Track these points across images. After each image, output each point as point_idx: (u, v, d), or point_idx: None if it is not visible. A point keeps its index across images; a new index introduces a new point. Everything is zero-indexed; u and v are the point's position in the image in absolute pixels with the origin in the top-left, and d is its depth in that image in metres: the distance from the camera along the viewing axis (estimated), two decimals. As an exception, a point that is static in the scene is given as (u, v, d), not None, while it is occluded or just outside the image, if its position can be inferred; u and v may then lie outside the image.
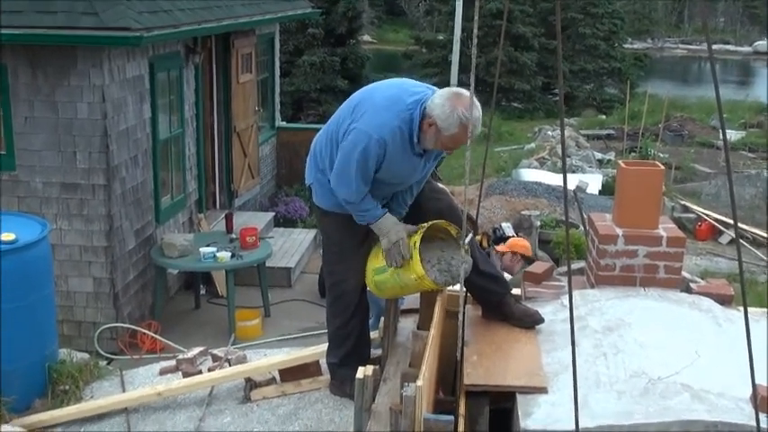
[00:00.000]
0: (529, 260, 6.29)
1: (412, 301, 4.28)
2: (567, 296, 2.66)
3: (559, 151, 16.26)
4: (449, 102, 3.27)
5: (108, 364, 6.21)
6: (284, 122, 13.34)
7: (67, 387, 4.64)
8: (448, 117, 3.26)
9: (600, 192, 13.23)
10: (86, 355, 5.11)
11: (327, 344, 4.03)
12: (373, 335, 4.15)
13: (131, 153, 7.22)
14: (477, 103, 3.21)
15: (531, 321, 3.69)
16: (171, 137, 8.25)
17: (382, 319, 3.99)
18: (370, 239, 3.65)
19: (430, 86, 3.48)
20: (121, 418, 4.30)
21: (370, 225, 3.48)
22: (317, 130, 3.81)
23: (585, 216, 5.18)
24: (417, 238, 3.44)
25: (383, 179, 3.43)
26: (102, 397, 4.58)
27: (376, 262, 3.60)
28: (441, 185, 4.17)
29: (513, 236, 7.86)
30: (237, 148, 10.01)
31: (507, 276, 6.44)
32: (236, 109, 9.90)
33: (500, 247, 6.64)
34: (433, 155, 3.55)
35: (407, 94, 3.37)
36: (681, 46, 50.56)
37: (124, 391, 4.69)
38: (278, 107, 12.55)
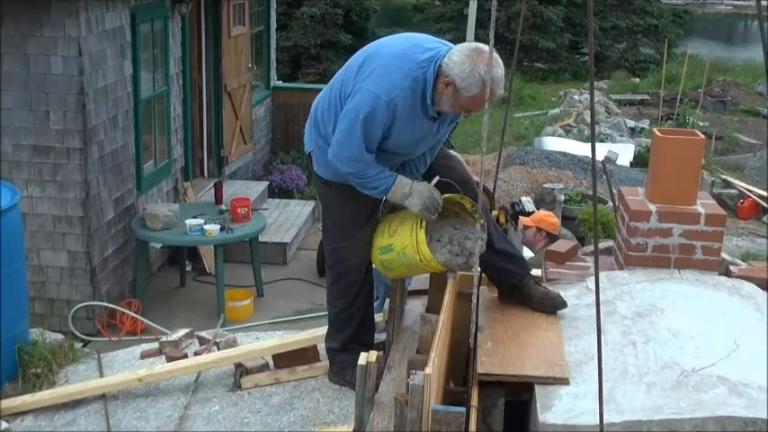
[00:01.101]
0: (553, 238, 6.29)
1: (421, 281, 4.29)
2: (593, 278, 2.67)
3: (587, 118, 16.20)
4: (469, 59, 3.25)
5: (84, 346, 6.27)
6: (280, 82, 13.31)
7: (40, 370, 4.68)
8: (468, 76, 3.24)
9: (631, 163, 13.20)
10: (60, 336, 5.15)
11: (327, 327, 4.05)
12: (377, 318, 4.18)
13: (110, 113, 7.21)
14: (500, 60, 3.20)
15: (552, 305, 3.69)
16: (154, 96, 8.23)
17: (387, 300, 4.00)
18: (378, 212, 3.64)
19: (444, 42, 3.45)
20: (99, 405, 4.34)
21: (385, 194, 3.44)
22: (318, 90, 3.80)
23: (615, 190, 5.18)
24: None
25: (391, 148, 3.42)
26: (78, 382, 4.62)
27: (381, 240, 3.61)
28: (454, 153, 4.16)
29: (534, 211, 7.86)
30: (228, 110, 10.00)
31: (527, 255, 6.46)
32: (227, 66, 9.87)
33: (525, 220, 6.65)
34: (448, 119, 3.53)
35: (420, 51, 3.35)
36: (725, 2, 50.11)
37: (102, 375, 4.72)
38: (273, 64, 12.51)
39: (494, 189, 4.29)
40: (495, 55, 3.06)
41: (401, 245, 3.50)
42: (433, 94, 3.33)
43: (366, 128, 3.30)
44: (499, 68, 3.18)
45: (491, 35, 2.68)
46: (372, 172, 3.42)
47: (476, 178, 3.68)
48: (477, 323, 3.15)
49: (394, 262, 3.58)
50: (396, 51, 3.36)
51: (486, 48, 3.18)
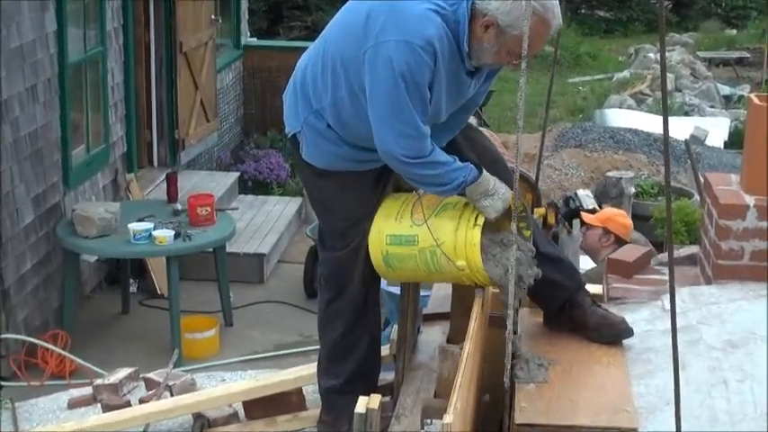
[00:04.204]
0: (623, 245, 6.29)
1: (439, 302, 4.30)
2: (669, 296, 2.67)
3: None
4: None
5: (-6, 392, 6.27)
6: (255, 39, 13.33)
7: (-65, 424, 4.69)
8: (512, 8, 3.28)
9: (726, 143, 13.19)
10: (-38, 380, 5.16)
11: (318, 363, 4.06)
12: (383, 351, 4.18)
13: (28, 82, 7.24)
14: None
15: (613, 333, 3.69)
16: (86, 59, 8.25)
17: (394, 328, 4.01)
18: (385, 189, 3.67)
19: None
20: (13, 471, 4.35)
21: (458, 190, 3.45)
22: (305, 49, 3.79)
23: (702, 178, 5.17)
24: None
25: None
26: (-14, 440, 4.64)
27: (396, 226, 3.54)
28: (488, 132, 4.17)
29: (596, 208, 7.85)
30: (185, 77, 10.02)
31: (585, 266, 6.45)
32: (183, 18, 9.90)
33: (589, 217, 6.65)
34: (485, 73, 3.57)
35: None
36: None
37: (17, 430, 4.73)
38: (245, 15, 12.55)
39: (536, 178, 4.29)
40: None
41: (430, 241, 3.48)
42: (470, 41, 3.36)
43: (410, 88, 3.32)
44: None
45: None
46: (441, 157, 3.45)
47: (510, 163, 3.69)
48: (512, 355, 3.15)
49: (408, 260, 3.56)
50: None
51: None
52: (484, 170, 3.48)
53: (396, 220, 3.57)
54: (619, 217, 6.64)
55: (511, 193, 3.46)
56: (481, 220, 3.44)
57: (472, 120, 3.93)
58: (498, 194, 3.46)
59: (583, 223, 6.70)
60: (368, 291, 3.81)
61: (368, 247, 3.63)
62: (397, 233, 3.56)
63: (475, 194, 3.47)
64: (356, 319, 3.83)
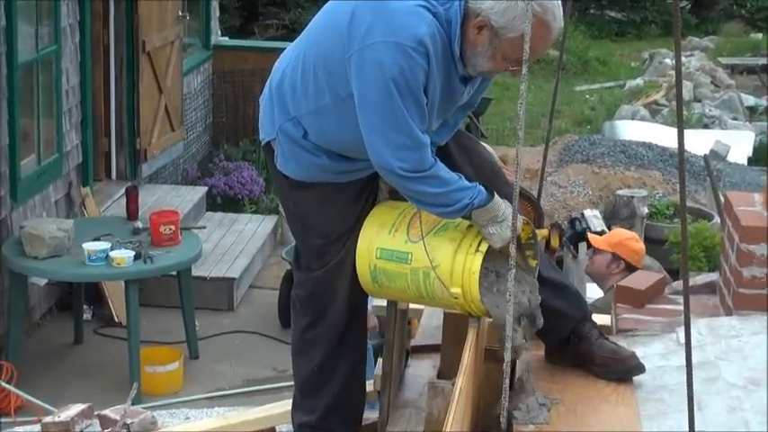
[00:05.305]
0: (634, 272, 6.32)
1: (429, 333, 4.30)
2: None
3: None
4: None
5: (-70, 431, 6.24)
6: (226, 38, 13.34)
7: None
8: (507, 8, 3.29)
9: (750, 159, 13.23)
10: None
11: (294, 396, 4.06)
12: (367, 387, 4.18)
13: (-29, 85, 7.25)
14: None
15: (622, 369, 3.69)
16: (38, 59, 8.24)
17: (379, 362, 4.01)
18: (370, 200, 3.68)
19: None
20: None
21: (462, 213, 3.45)
22: (282, 50, 3.80)
23: (723, 198, 5.20)
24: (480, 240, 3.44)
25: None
26: None
27: (390, 240, 3.55)
28: (485, 145, 4.18)
29: (604, 230, 7.87)
30: (148, 80, 10.02)
31: (592, 295, 6.47)
32: (146, 14, 9.90)
33: (597, 240, 6.66)
34: (478, 82, 3.60)
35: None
36: None
37: (-44, 474, 4.71)
38: (216, 12, 12.56)
39: (538, 196, 4.30)
40: None
41: (425, 261, 3.49)
42: (462, 45, 3.37)
43: (404, 94, 3.33)
44: None
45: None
46: (445, 173, 3.44)
47: (510, 177, 3.71)
48: (508, 392, 3.15)
49: (398, 278, 3.56)
50: None
51: None
52: (496, 194, 3.47)
53: (390, 233, 3.58)
54: (630, 241, 6.65)
55: (522, 221, 3.47)
56: (484, 247, 3.44)
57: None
58: (508, 222, 3.43)
59: (589, 246, 6.72)
60: (353, 312, 3.79)
61: (353, 261, 3.64)
62: (389, 247, 3.56)
63: (482, 219, 3.47)
64: (336, 346, 3.82)
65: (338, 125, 3.51)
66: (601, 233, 7.45)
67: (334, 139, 3.56)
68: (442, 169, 3.46)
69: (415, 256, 3.51)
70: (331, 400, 3.86)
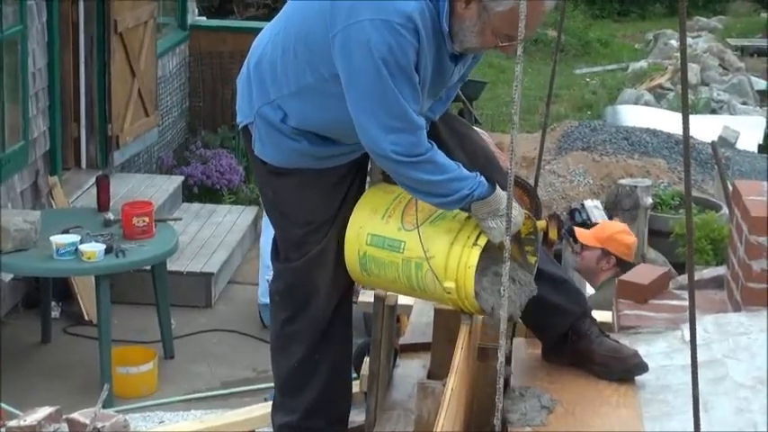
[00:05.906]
0: (627, 268, 6.34)
1: (420, 330, 4.29)
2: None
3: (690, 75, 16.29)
4: None
5: None
6: (204, 18, 13.31)
7: None
8: None
9: (761, 147, 13.24)
10: None
11: (275, 396, 4.05)
12: (353, 388, 4.18)
13: (-69, 67, 7.23)
14: None
15: (623, 368, 3.70)
16: (2, 39, 8.22)
17: (366, 361, 4.01)
18: (357, 186, 3.69)
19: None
20: None
21: (462, 203, 3.45)
22: (261, 30, 3.80)
23: (731, 187, 5.21)
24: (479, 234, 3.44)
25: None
26: None
27: (381, 225, 3.56)
28: (480, 131, 4.18)
29: (606, 220, 7.89)
30: (120, 62, 10.00)
31: (590, 288, 6.47)
32: (119, -8, 9.89)
33: (584, 235, 6.67)
34: (468, 60, 3.61)
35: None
36: None
37: None
38: (193, -9, 12.53)
39: (535, 185, 4.29)
40: None
41: (418, 252, 3.48)
42: (451, 20, 3.37)
43: (395, 74, 3.33)
44: None
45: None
46: (442, 159, 3.44)
47: (504, 163, 3.70)
48: (503, 394, 3.15)
49: (388, 268, 3.56)
50: None
51: None
52: (497, 187, 3.47)
53: (383, 219, 3.58)
54: (621, 235, 6.66)
55: (523, 216, 3.47)
56: (483, 241, 3.44)
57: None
58: (501, 216, 3.42)
59: (576, 241, 6.72)
60: (337, 304, 3.80)
61: (336, 251, 3.64)
62: (381, 234, 3.56)
63: (481, 212, 3.47)
64: (318, 341, 3.81)
65: (321, 107, 3.51)
66: (588, 226, 7.46)
67: (318, 121, 3.56)
68: (440, 155, 3.45)
69: (409, 246, 3.51)
70: (315, 396, 3.86)
